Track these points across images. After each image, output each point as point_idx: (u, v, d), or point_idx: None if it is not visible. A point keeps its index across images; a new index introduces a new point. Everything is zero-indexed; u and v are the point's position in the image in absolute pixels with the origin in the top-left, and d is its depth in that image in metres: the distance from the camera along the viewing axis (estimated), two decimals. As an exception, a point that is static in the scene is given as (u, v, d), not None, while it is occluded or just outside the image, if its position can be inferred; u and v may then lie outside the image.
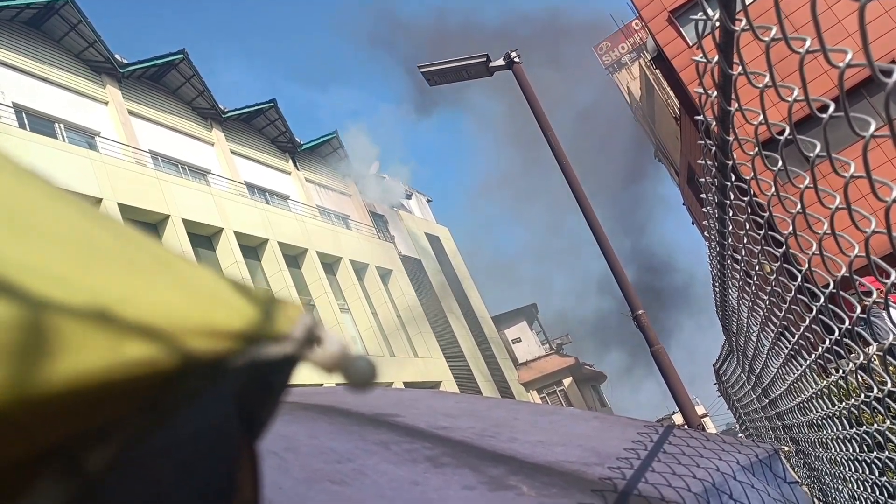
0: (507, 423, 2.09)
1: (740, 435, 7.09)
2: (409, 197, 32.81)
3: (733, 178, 1.62)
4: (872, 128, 0.86)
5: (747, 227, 1.69)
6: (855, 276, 1.17)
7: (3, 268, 0.28)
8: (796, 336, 1.80)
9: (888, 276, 1.08)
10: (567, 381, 33.66)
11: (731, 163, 1.55)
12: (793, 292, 1.57)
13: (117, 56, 18.66)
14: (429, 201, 35.90)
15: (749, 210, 1.62)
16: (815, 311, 1.46)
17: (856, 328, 1.33)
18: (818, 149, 1.01)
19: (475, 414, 2.20)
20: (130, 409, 0.30)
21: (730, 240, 2.03)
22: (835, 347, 1.44)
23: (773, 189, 1.31)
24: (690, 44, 17.78)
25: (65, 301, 0.29)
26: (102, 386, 0.28)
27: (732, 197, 1.70)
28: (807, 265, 1.35)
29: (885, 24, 15.42)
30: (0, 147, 0.38)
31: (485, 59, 8.40)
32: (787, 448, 2.64)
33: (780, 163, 1.21)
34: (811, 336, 1.65)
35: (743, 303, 2.44)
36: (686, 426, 6.71)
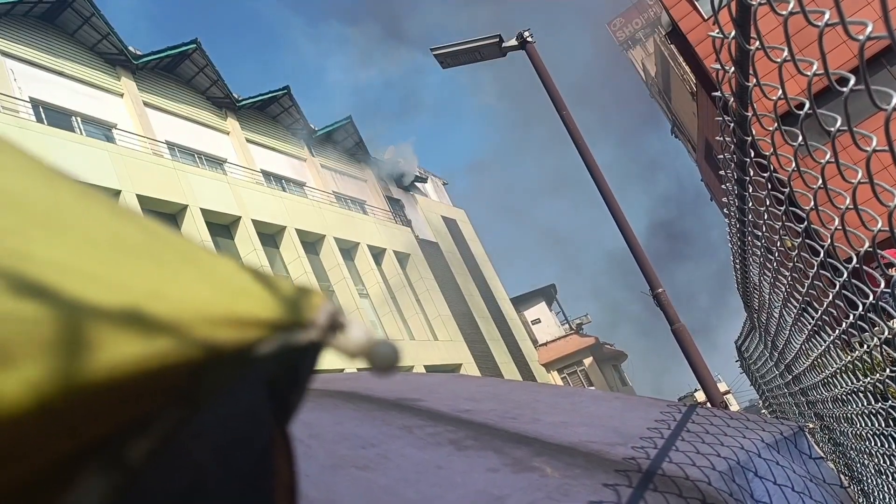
0: (528, 404, 2.10)
1: (763, 412, 7.06)
2: (424, 180, 32.77)
3: (752, 154, 1.60)
4: (894, 100, 0.85)
5: (768, 203, 1.67)
6: (878, 250, 1.16)
7: (41, 268, 0.29)
8: (819, 311, 1.78)
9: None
10: (588, 361, 33.65)
11: (750, 138, 1.53)
12: (815, 268, 1.55)
13: (131, 48, 18.75)
14: (444, 184, 35.85)
15: (769, 186, 1.61)
16: (838, 286, 1.44)
17: (880, 302, 1.32)
18: (839, 122, 0.99)
19: (497, 396, 2.21)
20: (166, 400, 0.31)
21: (750, 216, 2.01)
22: (859, 322, 1.43)
23: (794, 164, 1.29)
24: (706, 17, 17.51)
25: (98, 299, 0.30)
26: (138, 380, 0.29)
27: (752, 173, 1.68)
28: (829, 240, 1.34)
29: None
30: (29, 149, 0.39)
31: (497, 40, 8.33)
32: (811, 425, 2.63)
33: (800, 137, 1.19)
34: (834, 311, 1.64)
35: (764, 279, 2.42)
36: (709, 404, 6.69)
